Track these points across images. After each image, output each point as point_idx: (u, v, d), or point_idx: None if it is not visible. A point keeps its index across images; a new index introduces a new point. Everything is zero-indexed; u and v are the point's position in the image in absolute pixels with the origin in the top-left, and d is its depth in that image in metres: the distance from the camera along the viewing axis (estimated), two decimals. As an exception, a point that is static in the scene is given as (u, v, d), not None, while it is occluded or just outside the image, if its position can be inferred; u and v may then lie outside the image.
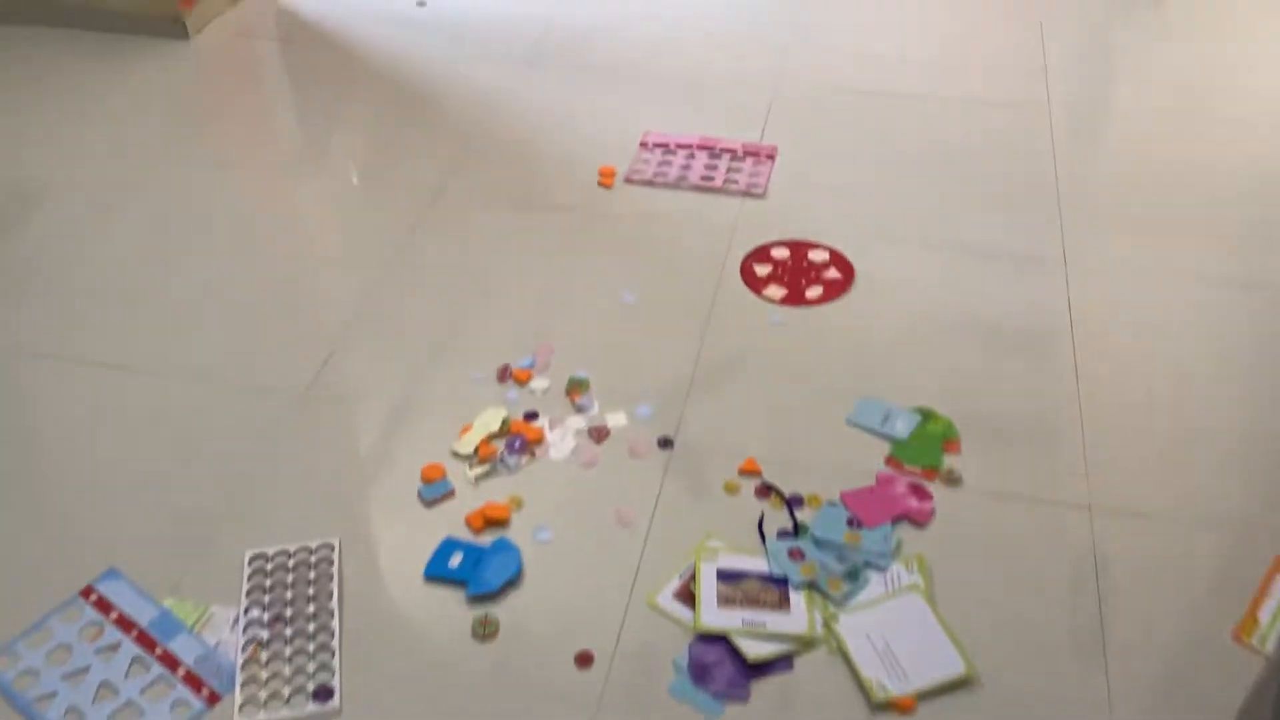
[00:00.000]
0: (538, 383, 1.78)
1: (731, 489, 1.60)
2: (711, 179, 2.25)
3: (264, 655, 1.40)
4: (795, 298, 1.95)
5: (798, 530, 1.54)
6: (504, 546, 1.52)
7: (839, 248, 2.07)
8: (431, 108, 2.51)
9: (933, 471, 1.62)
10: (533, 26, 2.81)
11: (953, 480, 1.61)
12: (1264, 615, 1.42)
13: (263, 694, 1.36)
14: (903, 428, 1.69)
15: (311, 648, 1.41)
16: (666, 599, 1.46)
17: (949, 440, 1.67)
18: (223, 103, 2.54)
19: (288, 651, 1.41)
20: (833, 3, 2.92)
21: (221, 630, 1.44)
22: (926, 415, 1.71)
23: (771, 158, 2.32)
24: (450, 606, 1.45)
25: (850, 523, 1.54)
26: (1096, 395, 1.75)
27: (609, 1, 2.93)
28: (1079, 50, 2.73)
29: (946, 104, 2.50)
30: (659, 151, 2.34)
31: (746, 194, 2.22)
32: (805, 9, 2.88)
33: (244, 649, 1.41)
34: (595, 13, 2.88)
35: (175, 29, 2.74)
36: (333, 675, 1.37)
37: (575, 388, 1.77)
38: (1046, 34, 2.77)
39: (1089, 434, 1.68)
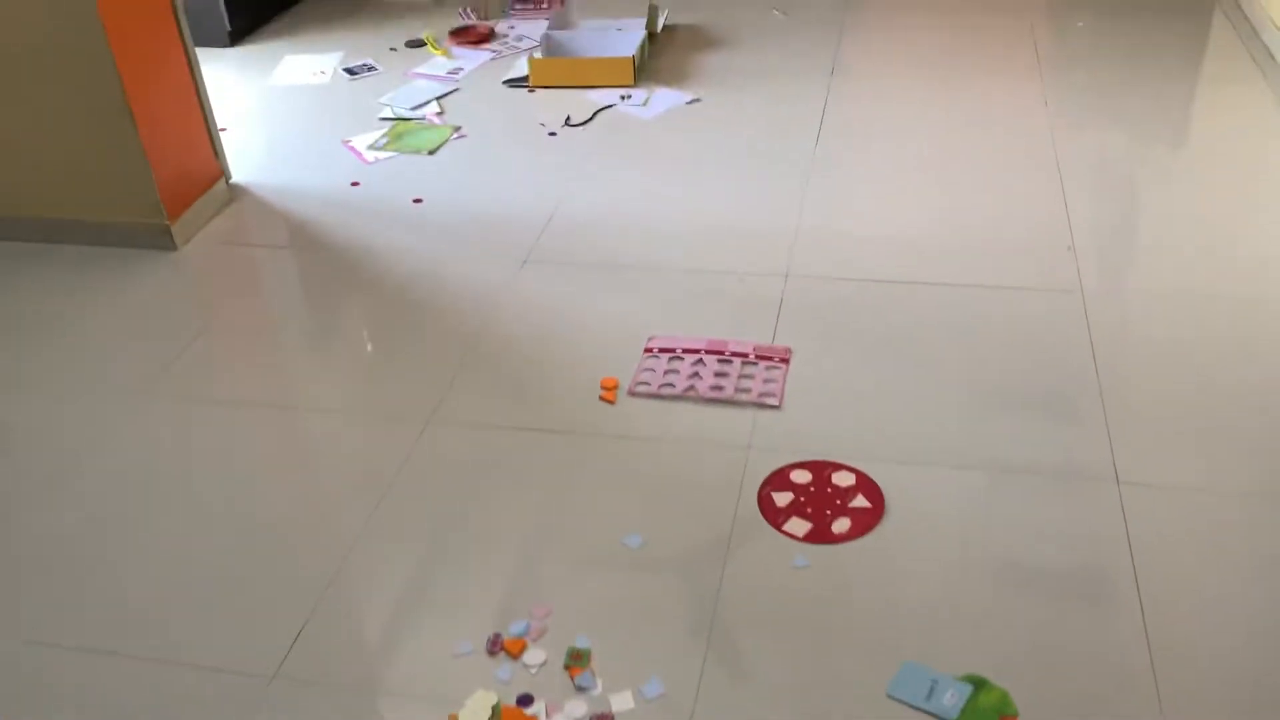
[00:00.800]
0: (533, 655, 1.58)
1: (757, 793, 1.38)
2: (722, 388, 2.09)
3: None
4: (821, 533, 1.75)
5: None
6: None
7: (865, 468, 1.88)
8: (426, 315, 2.37)
9: (992, 761, 1.39)
10: (532, 222, 2.71)
11: (1016, 772, 1.38)
12: None
13: None
14: (951, 703, 1.46)
15: None
16: None
17: (1006, 716, 1.44)
18: (209, 321, 2.42)
19: None
20: (839, 184, 2.81)
21: None
22: (978, 685, 1.48)
23: (785, 361, 2.16)
24: None
25: (900, 838, 1.31)
26: (1171, 653, 1.52)
27: (610, 192, 2.83)
28: (1105, 213, 2.58)
29: (971, 292, 2.34)
30: (664, 358, 2.18)
31: (760, 405, 2.04)
32: (812, 193, 2.77)
33: None
34: (595, 204, 2.77)
35: (163, 240, 2.65)
36: None
37: (575, 661, 1.56)
38: (1068, 191, 2.63)
39: (1168, 709, 1.45)
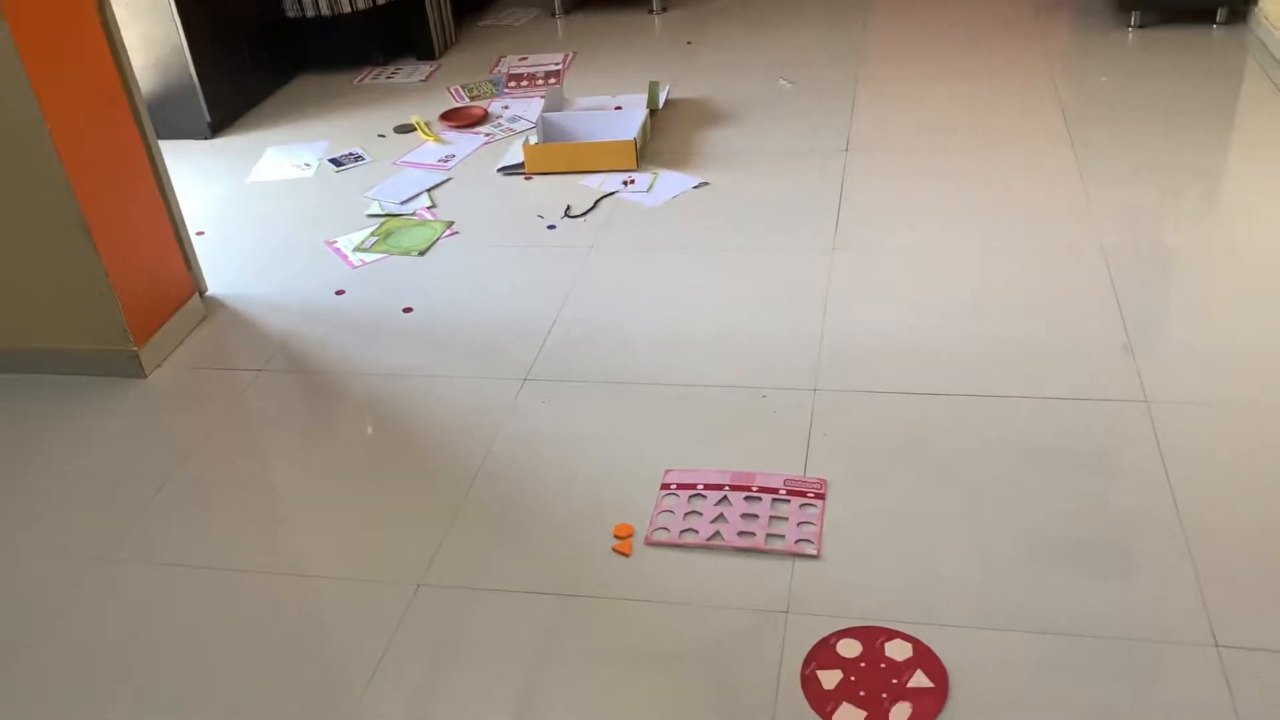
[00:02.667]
0: None
1: None
2: (752, 534, 1.84)
3: None
4: (877, 725, 1.50)
5: None
6: None
7: (922, 634, 1.63)
8: (418, 452, 2.14)
9: None
10: (532, 331, 2.48)
11: None
12: None
13: None
14: None
15: None
16: None
17: None
18: (178, 466, 2.18)
19: None
20: (865, 278, 2.57)
21: None
22: None
23: (821, 496, 1.91)
24: None
25: None
26: None
27: (615, 292, 2.60)
28: (1155, 293, 2.34)
29: (1021, 405, 2.10)
30: (684, 496, 1.94)
31: (796, 554, 1.80)
32: (836, 290, 2.53)
33: None
34: (600, 309, 2.55)
35: (130, 367, 2.43)
36: None
37: None
38: (1117, 280, 2.40)
39: None
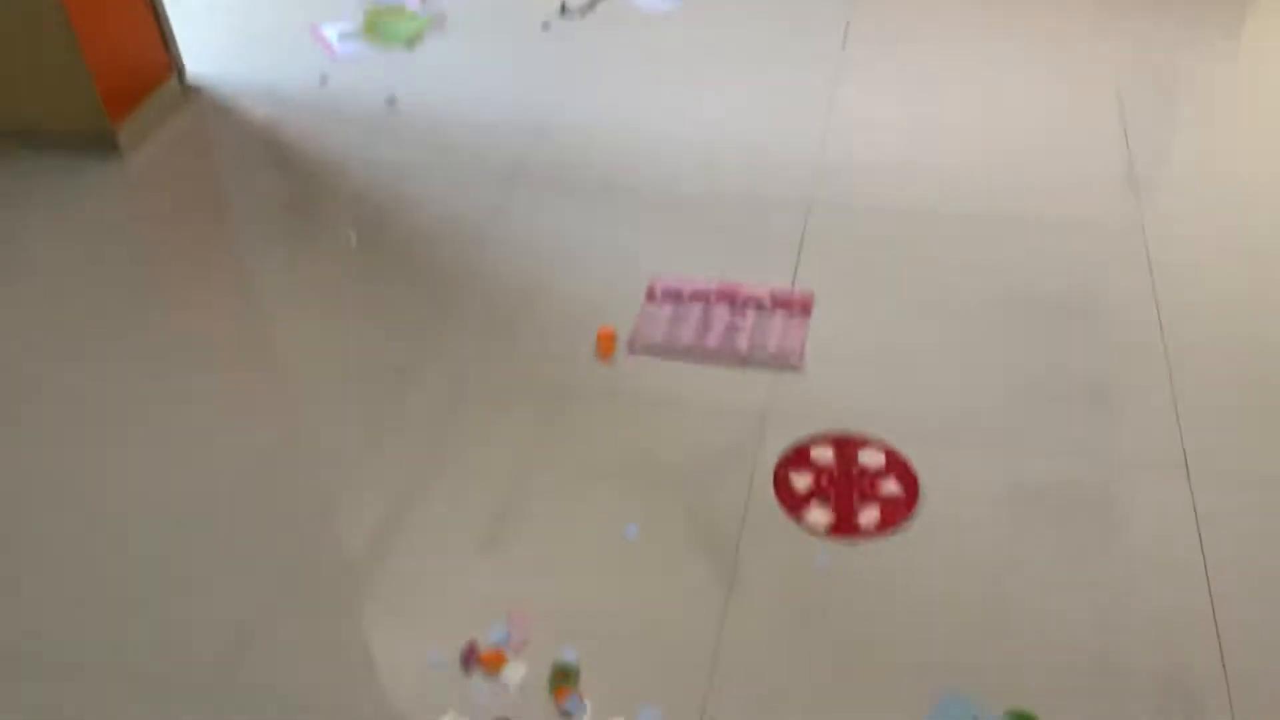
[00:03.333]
0: (512, 671, 1.37)
1: None
2: (735, 343, 1.83)
3: None
4: (845, 526, 1.53)
5: None
6: None
7: (896, 444, 1.64)
8: (402, 247, 2.10)
9: (1043, 823, 1.20)
10: (521, 131, 2.40)
11: (1072, 838, 1.18)
12: None
13: None
14: (997, 747, 1.26)
15: None
16: None
17: (1061, 766, 1.25)
18: (154, 247, 2.15)
19: None
20: (871, 95, 2.48)
21: None
22: (1028, 724, 1.28)
23: (806, 310, 1.90)
24: None
25: None
26: (1247, 682, 1.31)
27: (609, 98, 2.51)
28: (1168, 135, 2.28)
29: (1019, 227, 2.06)
30: (669, 305, 1.92)
31: (778, 364, 1.80)
32: (840, 105, 2.45)
33: None
34: (592, 113, 2.46)
35: (106, 146, 2.35)
36: None
37: (561, 681, 1.35)
38: (1128, 110, 2.32)
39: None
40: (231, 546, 1.55)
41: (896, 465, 1.61)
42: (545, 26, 2.79)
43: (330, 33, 2.80)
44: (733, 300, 1.92)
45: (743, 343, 1.83)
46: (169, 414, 1.77)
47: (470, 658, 1.38)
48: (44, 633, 1.45)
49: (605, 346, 1.84)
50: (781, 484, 1.59)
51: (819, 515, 1.55)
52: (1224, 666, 1.33)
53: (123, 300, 1.99)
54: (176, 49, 2.57)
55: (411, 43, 2.74)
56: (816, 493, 1.58)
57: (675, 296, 1.93)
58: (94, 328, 1.94)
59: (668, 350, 1.83)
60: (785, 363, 1.79)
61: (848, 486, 1.58)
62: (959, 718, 1.29)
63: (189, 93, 2.57)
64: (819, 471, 1.61)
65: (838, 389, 1.75)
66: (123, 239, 2.16)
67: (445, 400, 1.77)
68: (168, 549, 1.55)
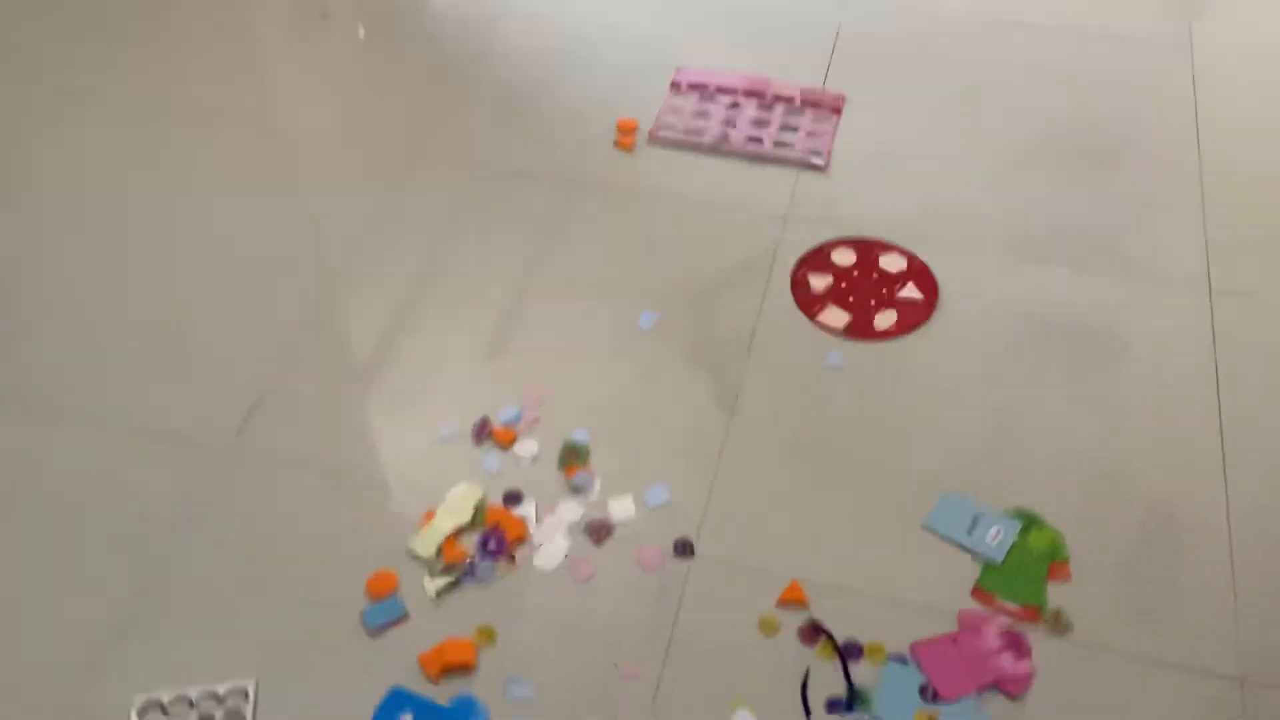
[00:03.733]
0: (524, 446, 1.39)
1: (768, 628, 1.22)
2: (760, 140, 1.78)
3: None
4: (861, 328, 1.52)
5: (854, 701, 1.16)
6: (467, 709, 1.16)
7: (919, 251, 1.61)
8: (417, 23, 2.01)
9: (1034, 611, 1.24)
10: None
11: (1060, 627, 1.22)
12: None
13: None
14: (995, 541, 1.29)
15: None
16: (676, 803, 1.11)
17: (1057, 562, 1.28)
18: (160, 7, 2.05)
19: None
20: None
21: (97, 814, 1.11)
22: (1029, 522, 1.31)
23: (837, 111, 1.83)
24: (392, 798, 1.11)
25: (923, 692, 1.17)
26: (1246, 498, 1.33)
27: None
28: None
29: (1063, 39, 1.97)
30: (694, 96, 1.85)
31: (804, 164, 1.75)
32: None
33: None
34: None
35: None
36: None
37: (572, 458, 1.37)
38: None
39: (1241, 573, 1.27)
40: (235, 319, 1.54)
41: (918, 270, 1.59)
42: None
43: None
44: (761, 96, 1.85)
45: (768, 140, 1.77)
46: (168, 179, 1.73)
47: (483, 432, 1.40)
48: (50, 385, 1.46)
49: (625, 137, 1.78)
50: (800, 284, 1.58)
51: (835, 315, 1.53)
52: (1226, 493, 1.34)
53: (115, 61, 1.92)
54: None
55: None
56: (835, 294, 1.56)
57: (701, 89, 1.86)
58: (84, 82, 1.87)
59: (690, 144, 1.78)
60: (811, 162, 1.74)
61: (866, 289, 1.57)
62: (960, 515, 1.31)
63: None
64: (839, 273, 1.59)
65: (863, 193, 1.71)
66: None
67: (456, 185, 1.72)
68: (178, 313, 1.55)
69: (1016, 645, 1.20)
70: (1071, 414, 1.42)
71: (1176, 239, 1.63)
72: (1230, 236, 1.63)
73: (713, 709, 1.16)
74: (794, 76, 1.88)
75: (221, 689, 1.17)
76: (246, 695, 1.17)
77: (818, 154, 1.75)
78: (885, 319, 1.53)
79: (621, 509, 1.32)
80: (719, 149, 1.77)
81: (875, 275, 1.59)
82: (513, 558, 1.28)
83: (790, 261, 1.60)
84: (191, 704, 1.17)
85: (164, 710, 1.16)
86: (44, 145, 1.79)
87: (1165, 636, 1.21)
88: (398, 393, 1.45)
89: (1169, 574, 1.26)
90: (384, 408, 1.44)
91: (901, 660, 1.19)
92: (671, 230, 1.65)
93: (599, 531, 1.30)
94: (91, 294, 1.57)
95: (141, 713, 1.16)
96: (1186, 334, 1.50)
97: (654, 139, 1.79)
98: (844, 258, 1.61)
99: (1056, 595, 1.25)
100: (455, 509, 1.31)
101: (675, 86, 1.87)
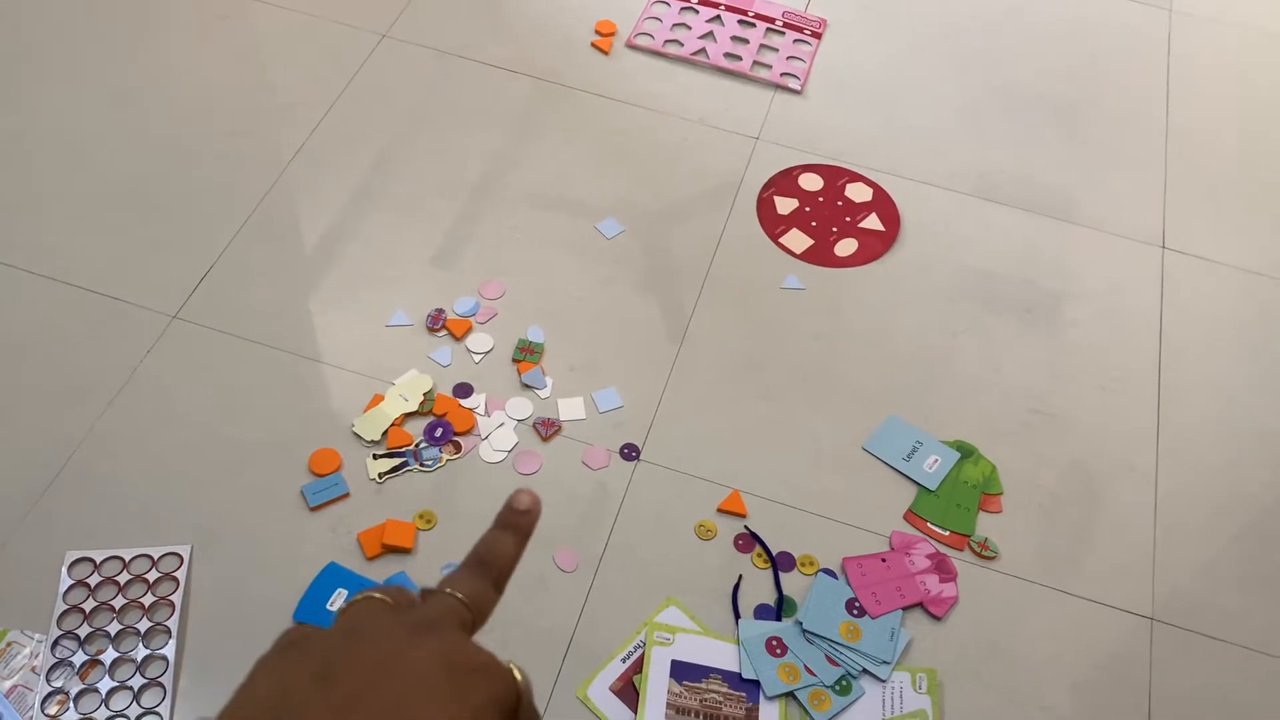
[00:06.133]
0: (478, 339, 1.38)
1: (705, 532, 1.25)
2: (738, 58, 1.76)
3: (75, 694, 1.07)
4: (821, 253, 1.53)
5: (782, 609, 1.20)
6: (402, 589, 1.17)
7: (887, 184, 1.62)
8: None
9: (963, 539, 1.27)
10: None
11: (985, 555, 1.26)
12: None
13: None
14: (931, 469, 1.32)
15: (138, 685, 1.09)
16: (601, 692, 1.13)
17: (989, 495, 1.31)
18: None
19: (107, 694, 1.08)
20: None
21: (20, 663, 1.11)
22: (966, 454, 1.34)
23: (818, 36, 1.82)
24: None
25: (850, 606, 1.20)
26: (1176, 450, 1.38)
27: None
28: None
29: (1046, -14, 1.96)
30: (675, 6, 1.82)
31: (780, 86, 1.73)
32: None
33: (49, 695, 1.08)
34: None
35: None
36: (154, 759, 1.06)
37: (525, 355, 1.37)
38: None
39: (1163, 517, 1.32)
40: (192, 191, 1.50)
41: (883, 202, 1.60)
42: None
43: None
44: (742, 13, 1.82)
45: (746, 58, 1.76)
46: (128, 29, 1.66)
47: (437, 323, 1.39)
48: (23, 244, 1.42)
49: (603, 40, 1.75)
50: (765, 205, 1.57)
51: (796, 239, 1.54)
52: (1157, 444, 1.39)
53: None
54: None
55: None
56: (799, 218, 1.56)
57: (682, 0, 1.83)
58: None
59: (668, 53, 1.75)
60: (787, 85, 1.73)
61: (830, 216, 1.57)
62: (900, 441, 1.34)
63: None
64: (805, 198, 1.59)
65: (836, 120, 1.70)
66: None
67: (428, 60, 1.68)
68: (136, 175, 1.50)
69: (943, 569, 1.24)
70: (1017, 354, 1.45)
71: (1135, 196, 1.65)
72: (1187, 199, 1.66)
73: (644, 606, 1.18)
74: (778, -3, 1.86)
75: (156, 552, 1.17)
76: (181, 560, 1.17)
77: (794, 77, 1.74)
78: (846, 247, 1.54)
79: (571, 409, 1.33)
80: (695, 62, 1.75)
81: (840, 203, 1.59)
82: (459, 446, 1.28)
83: (759, 181, 1.60)
84: (124, 564, 1.16)
85: (96, 567, 1.16)
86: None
87: (1085, 573, 1.26)
88: (353, 278, 1.43)
89: (1095, 515, 1.31)
90: (338, 292, 1.42)
91: (831, 574, 1.23)
92: (641, 139, 1.64)
93: (547, 427, 1.31)
94: (52, 158, 1.52)
95: (72, 568, 1.15)
96: (1135, 288, 1.54)
97: (631, 45, 1.76)
98: (811, 183, 1.61)
99: (986, 525, 1.28)
100: (404, 395, 1.31)
101: (657, -6, 1.84)
